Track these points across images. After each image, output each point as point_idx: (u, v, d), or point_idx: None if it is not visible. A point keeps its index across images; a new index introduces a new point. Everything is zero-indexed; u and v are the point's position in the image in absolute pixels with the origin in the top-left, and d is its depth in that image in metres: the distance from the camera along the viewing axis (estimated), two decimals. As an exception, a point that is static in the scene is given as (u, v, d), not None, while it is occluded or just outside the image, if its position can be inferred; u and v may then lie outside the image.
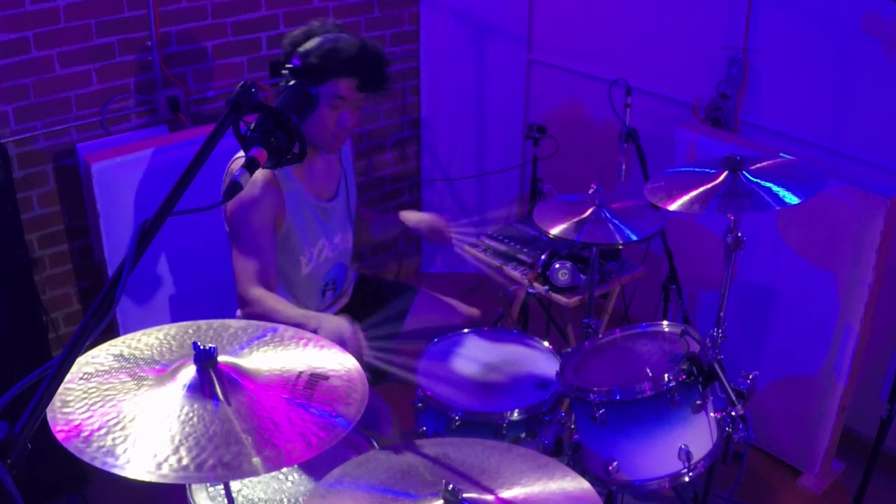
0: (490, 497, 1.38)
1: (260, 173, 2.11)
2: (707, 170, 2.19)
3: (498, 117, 4.06)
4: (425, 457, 1.51)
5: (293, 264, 2.29)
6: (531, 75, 3.99)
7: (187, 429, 1.22)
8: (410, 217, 2.54)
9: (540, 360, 2.31)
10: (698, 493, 2.46)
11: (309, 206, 2.27)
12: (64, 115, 3.04)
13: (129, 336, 1.43)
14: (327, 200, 2.34)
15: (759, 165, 2.17)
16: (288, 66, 2.04)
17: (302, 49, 2.06)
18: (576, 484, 1.43)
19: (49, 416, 1.21)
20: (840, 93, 2.84)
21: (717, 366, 1.95)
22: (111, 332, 2.84)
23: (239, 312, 2.42)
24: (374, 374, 2.42)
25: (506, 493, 1.40)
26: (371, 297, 2.59)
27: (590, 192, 2.49)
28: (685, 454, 1.95)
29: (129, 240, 1.09)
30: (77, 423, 1.21)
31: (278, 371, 1.38)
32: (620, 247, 2.94)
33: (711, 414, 2.05)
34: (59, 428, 1.20)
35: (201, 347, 1.31)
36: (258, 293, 2.10)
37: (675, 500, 2.72)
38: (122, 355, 1.37)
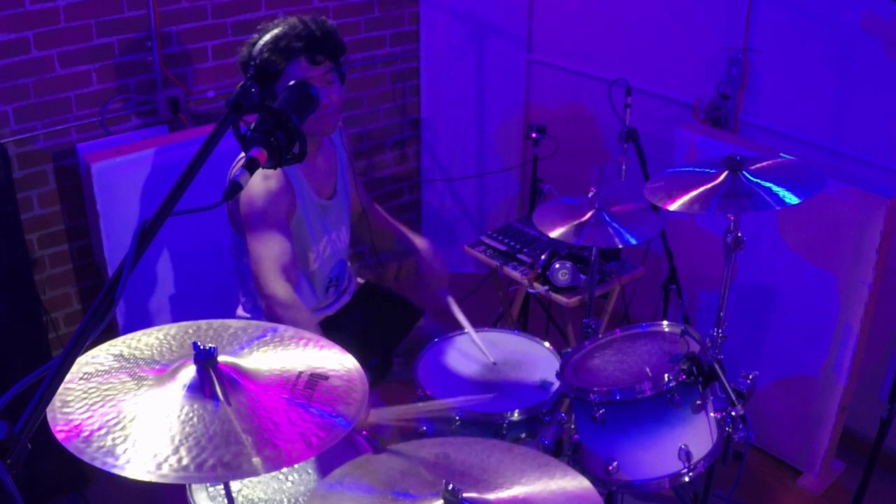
0: (490, 497, 1.38)
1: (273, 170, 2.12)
2: (707, 170, 2.19)
3: (498, 117, 4.05)
4: (425, 457, 1.51)
5: (301, 261, 2.30)
6: (531, 75, 3.99)
7: (187, 429, 1.22)
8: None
9: (540, 360, 2.31)
10: (698, 493, 2.47)
11: (312, 203, 2.29)
12: (64, 115, 3.03)
13: (129, 336, 1.43)
14: (327, 198, 2.36)
15: (759, 165, 2.17)
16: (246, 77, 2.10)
17: (252, 55, 2.10)
18: (576, 483, 1.43)
19: (49, 416, 1.20)
20: (840, 93, 2.84)
21: (717, 366, 1.95)
22: (111, 332, 2.84)
23: (241, 310, 2.43)
24: (375, 374, 2.43)
25: (506, 493, 1.39)
26: (375, 307, 2.60)
27: (589, 195, 2.49)
28: (685, 454, 1.95)
29: (130, 240, 1.09)
30: (77, 423, 1.20)
31: (278, 371, 1.37)
32: (620, 247, 2.95)
33: (711, 414, 2.05)
34: (59, 428, 1.19)
35: (201, 347, 1.30)
36: (283, 292, 2.06)
37: (675, 500, 2.72)
38: (122, 355, 1.37)
